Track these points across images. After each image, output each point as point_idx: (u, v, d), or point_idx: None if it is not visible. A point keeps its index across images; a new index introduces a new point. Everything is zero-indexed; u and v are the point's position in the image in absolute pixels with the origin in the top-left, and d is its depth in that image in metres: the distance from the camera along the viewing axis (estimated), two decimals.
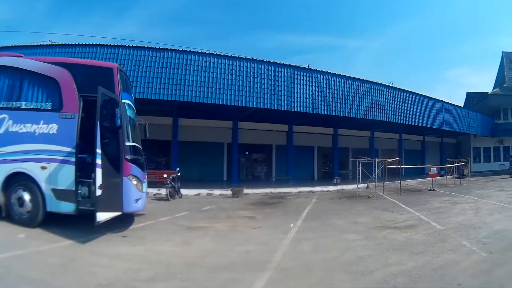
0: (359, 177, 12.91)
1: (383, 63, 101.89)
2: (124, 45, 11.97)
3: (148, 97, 11.62)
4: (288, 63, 14.33)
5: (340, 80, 15.39)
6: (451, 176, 19.74)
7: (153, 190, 11.06)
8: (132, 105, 6.33)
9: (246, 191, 12.34)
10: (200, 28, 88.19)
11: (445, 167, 19.83)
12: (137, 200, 5.79)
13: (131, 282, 2.96)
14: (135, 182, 5.62)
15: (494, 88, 35.03)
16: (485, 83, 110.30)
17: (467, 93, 33.85)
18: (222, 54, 13.00)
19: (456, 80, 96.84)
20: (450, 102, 23.67)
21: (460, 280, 3.18)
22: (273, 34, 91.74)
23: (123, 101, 5.65)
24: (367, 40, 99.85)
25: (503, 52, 34.96)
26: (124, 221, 5.92)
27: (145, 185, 6.30)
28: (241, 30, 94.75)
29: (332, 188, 15.10)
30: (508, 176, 20.87)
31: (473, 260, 3.92)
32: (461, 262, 3.85)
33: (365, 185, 14.59)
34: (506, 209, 8.30)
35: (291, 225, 6.15)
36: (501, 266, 3.65)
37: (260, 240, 4.98)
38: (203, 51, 12.96)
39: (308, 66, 15.18)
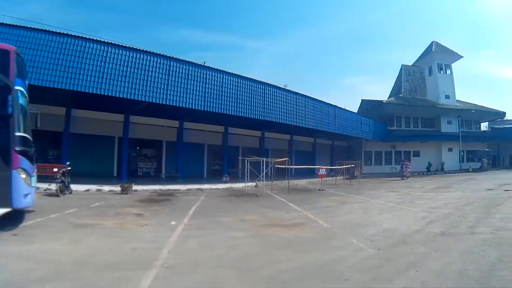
0: (247, 176, 15.03)
1: (283, 65, 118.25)
2: (24, 26, 12.43)
3: (42, 84, 12.26)
4: (183, 59, 16.21)
5: (233, 79, 18.05)
6: (342, 177, 23.72)
7: (43, 185, 11.75)
8: (25, 93, 6.54)
9: (135, 187, 13.75)
10: (106, 16, 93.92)
11: (335, 168, 23.78)
12: (26, 195, 5.94)
13: (22, 283, 3.48)
14: (24, 176, 5.82)
15: (389, 97, 43.93)
16: (382, 92, 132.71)
17: (362, 100, 41.95)
18: (119, 44, 14.28)
19: (355, 87, 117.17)
20: (343, 108, 28.40)
21: (347, 276, 3.83)
22: (178, 28, 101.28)
23: (17, 87, 5.82)
24: (269, 43, 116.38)
25: (402, 65, 45.35)
26: (15, 219, 6.30)
27: (34, 179, 6.51)
28: (147, 21, 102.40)
29: (221, 186, 17.38)
30: (399, 178, 25.57)
31: (361, 256, 4.71)
32: (349, 259, 4.59)
33: (254, 183, 16.69)
34: (395, 208, 10.04)
35: (173, 222, 7.22)
36: (389, 262, 4.42)
37: (147, 238, 5.89)
38: (102, 40, 13.93)
39: (204, 63, 17.28)
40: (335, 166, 25.08)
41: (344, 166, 23.31)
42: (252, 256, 4.96)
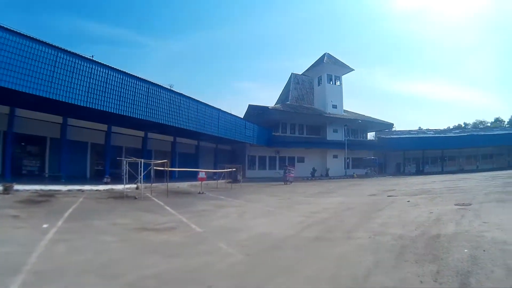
0: (126, 177, 15.21)
1: (177, 65, 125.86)
2: None
3: None
4: (69, 50, 16.04)
5: (118, 76, 18.36)
6: (224, 181, 25.22)
7: None
8: None
9: (17, 187, 13.58)
10: None
11: (217, 171, 24.99)
12: None
13: None
14: None
15: (277, 103, 47.68)
16: (274, 98, 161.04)
17: (249, 105, 44.30)
18: (8, 28, 13.81)
19: (246, 92, 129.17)
20: (227, 112, 30.18)
21: (211, 282, 4.13)
22: (71, 17, 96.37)
23: None
24: (164, 42, 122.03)
25: (292, 73, 50.09)
26: None
27: None
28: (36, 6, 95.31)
29: (101, 187, 17.50)
30: (282, 183, 27.78)
31: (229, 262, 5.07)
32: (216, 265, 4.93)
33: (135, 185, 17.04)
34: (271, 213, 10.83)
35: (45, 225, 7.53)
36: (257, 268, 4.82)
37: (19, 241, 6.24)
38: None
39: (92, 57, 17.44)
40: (218, 169, 26.35)
41: (226, 170, 24.53)
42: (118, 261, 5.26)
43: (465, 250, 5.63)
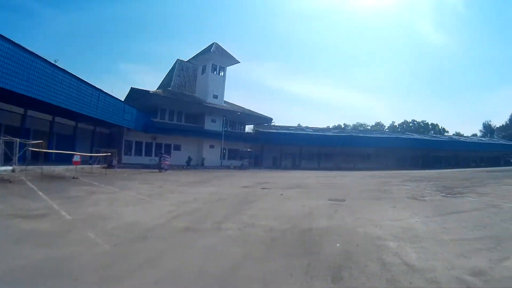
0: (2, 159, 14.65)
1: (61, 40, 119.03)
2: None
3: None
4: None
5: None
6: (100, 166, 24.80)
7: None
8: None
9: None
10: None
11: (93, 155, 24.77)
12: None
13: None
14: None
15: (159, 88, 47.27)
16: (158, 84, 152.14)
17: (131, 88, 44.18)
18: None
19: (130, 74, 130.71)
20: (107, 93, 29.34)
21: (77, 275, 4.12)
22: None
23: None
24: (53, 13, 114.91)
25: (178, 59, 50.14)
26: None
27: None
28: None
29: None
30: (157, 170, 28.11)
31: (96, 252, 5.06)
32: (83, 255, 4.91)
33: (11, 168, 16.39)
34: (143, 201, 10.83)
35: None
36: (124, 259, 4.81)
37: None
38: None
39: None
40: (95, 153, 26.10)
41: (102, 154, 24.64)
42: None
43: (338, 245, 5.90)
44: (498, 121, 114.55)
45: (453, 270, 4.79)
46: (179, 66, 51.02)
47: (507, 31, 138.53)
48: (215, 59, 48.34)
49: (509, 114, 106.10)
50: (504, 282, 4.39)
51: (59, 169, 21.79)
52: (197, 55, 50.63)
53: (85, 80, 25.64)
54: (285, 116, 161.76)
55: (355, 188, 17.47)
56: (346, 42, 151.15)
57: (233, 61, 50.41)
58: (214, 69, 49.01)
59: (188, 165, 40.43)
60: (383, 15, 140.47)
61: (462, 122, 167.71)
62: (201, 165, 42.62)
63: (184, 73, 51.12)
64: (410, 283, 4.27)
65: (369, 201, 12.28)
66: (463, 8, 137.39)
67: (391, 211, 10.05)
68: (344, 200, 11.90)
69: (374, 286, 4.17)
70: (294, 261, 4.92)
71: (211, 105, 46.57)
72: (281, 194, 13.63)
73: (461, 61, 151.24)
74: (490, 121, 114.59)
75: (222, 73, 50.19)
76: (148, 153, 41.61)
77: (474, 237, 6.84)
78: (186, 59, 52.40)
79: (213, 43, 49.08)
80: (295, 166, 54.31)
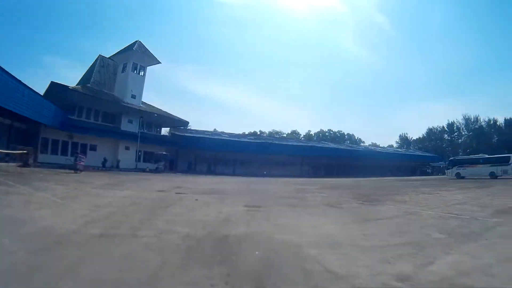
0: None
1: None
2: None
3: None
4: None
5: None
6: (15, 164, 24.08)
7: None
8: None
9: None
10: None
11: (9, 153, 24.20)
12: None
13: None
14: None
15: (78, 84, 46.47)
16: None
17: (51, 82, 42.29)
18: None
19: (54, 68, 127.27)
20: (28, 86, 28.45)
21: None
22: None
23: None
24: None
25: (99, 55, 49.17)
26: None
27: None
28: None
29: None
30: (73, 171, 27.29)
31: (12, 261, 4.82)
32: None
33: None
34: (58, 204, 10.47)
35: None
36: (40, 268, 4.60)
37: None
38: None
39: None
40: (11, 150, 25.23)
41: (18, 152, 23.86)
42: None
43: (257, 252, 5.75)
44: (414, 134, 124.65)
45: (378, 275, 4.84)
46: (101, 62, 50.02)
47: (430, 52, 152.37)
48: (136, 57, 48.36)
49: (426, 128, 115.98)
50: (429, 286, 4.54)
51: None
52: (119, 52, 50.22)
53: (2, 67, 24.36)
54: (202, 121, 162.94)
55: (271, 194, 17.70)
56: (267, 50, 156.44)
57: (154, 61, 50.83)
58: (134, 68, 49.02)
59: (104, 167, 40.01)
60: (307, 27, 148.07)
61: (379, 134, 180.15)
62: (116, 167, 42.24)
63: (104, 70, 50.17)
64: None
65: (285, 207, 12.30)
66: (389, 28, 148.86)
67: (308, 218, 10.07)
68: (261, 207, 11.84)
69: None
70: (213, 270, 4.78)
71: (129, 105, 46.49)
72: (197, 200, 13.47)
73: (382, 77, 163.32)
74: (406, 133, 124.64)
75: (142, 72, 50.35)
76: (64, 152, 40.60)
77: (396, 243, 6.96)
78: (108, 56, 51.45)
79: (136, 41, 49.06)
80: (210, 171, 54.95)
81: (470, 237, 7.77)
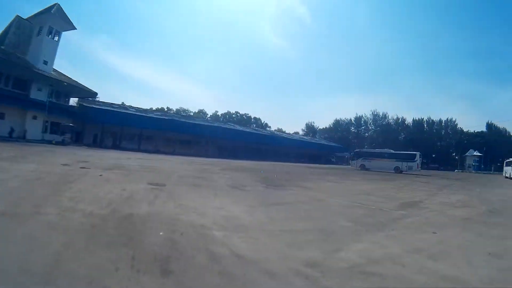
0: None
1: None
2: None
3: None
4: None
5: None
6: None
7: None
8: None
9: None
10: None
11: None
12: None
13: None
14: None
15: None
16: None
17: None
18: None
19: None
20: None
21: None
22: None
23: None
24: None
25: (16, 15, 46.61)
26: None
27: None
28: None
29: None
30: None
31: None
32: None
33: None
34: None
35: None
36: None
37: None
38: None
39: None
40: None
41: None
42: None
43: (161, 233, 5.66)
44: (321, 124, 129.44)
45: (287, 260, 4.85)
46: (17, 23, 47.04)
47: (346, 47, 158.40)
48: (53, 21, 46.01)
49: (333, 119, 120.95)
50: (340, 273, 4.58)
51: None
52: (37, 14, 47.38)
53: None
54: (114, 94, 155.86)
55: (175, 173, 17.51)
56: (182, 29, 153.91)
57: (70, 26, 48.64)
58: (50, 32, 46.59)
59: (11, 137, 37.94)
60: (226, 10, 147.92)
61: (286, 120, 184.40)
62: (22, 138, 39.96)
63: (20, 32, 47.19)
64: (245, 275, 4.24)
65: (190, 187, 12.24)
66: (309, 20, 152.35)
67: (213, 199, 10.06)
68: (165, 185, 11.77)
69: (206, 279, 4.10)
70: (118, 252, 4.63)
71: (40, 72, 44.00)
72: (101, 175, 13.17)
73: (295, 67, 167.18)
74: (313, 122, 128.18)
75: (57, 37, 47.94)
76: None
77: (303, 229, 7.06)
78: (26, 17, 48.10)
79: (55, 3, 46.35)
80: (116, 146, 53.60)
81: (377, 227, 8.02)
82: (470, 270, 5.26)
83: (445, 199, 16.05)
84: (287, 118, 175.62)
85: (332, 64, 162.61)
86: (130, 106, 69.60)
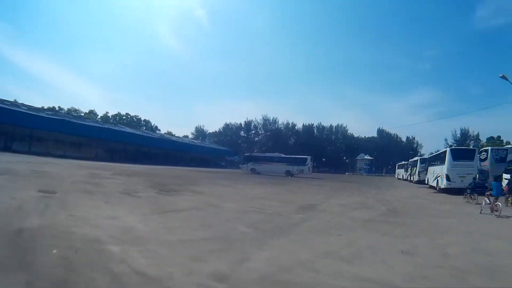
0: None
1: None
2: None
3: None
4: None
5: None
6: None
7: None
8: None
9: None
10: None
11: None
12: None
13: None
14: None
15: None
16: None
17: None
18: None
19: None
20: None
21: None
22: None
23: None
24: None
25: None
26: None
27: None
28: None
29: None
30: None
31: None
32: None
33: None
34: None
35: None
36: None
37: None
38: None
39: None
40: None
41: None
42: None
43: (55, 251, 5.26)
44: (211, 128, 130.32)
45: (193, 276, 4.71)
46: None
47: (240, 52, 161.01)
48: None
49: (223, 123, 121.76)
50: (252, 285, 4.52)
51: None
52: None
53: None
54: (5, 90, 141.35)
55: (66, 178, 16.79)
56: (74, 21, 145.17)
57: None
58: None
59: None
60: (127, 9, 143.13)
61: (175, 123, 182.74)
62: None
63: None
64: None
65: (81, 194, 11.90)
66: (206, 23, 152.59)
67: (105, 208, 9.78)
68: (56, 193, 11.25)
69: None
70: (10, 277, 4.30)
71: None
72: None
73: (188, 69, 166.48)
74: (203, 126, 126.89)
75: None
76: None
77: (203, 238, 6.92)
78: None
79: None
80: (7, 148, 48.56)
81: (279, 232, 8.05)
82: (388, 270, 5.56)
83: (342, 201, 16.86)
84: (178, 121, 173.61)
85: (225, 68, 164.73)
86: (23, 104, 63.25)
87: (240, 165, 59.66)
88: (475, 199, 19.11)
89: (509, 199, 17.26)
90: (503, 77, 29.65)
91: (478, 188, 20.14)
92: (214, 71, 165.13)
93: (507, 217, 13.18)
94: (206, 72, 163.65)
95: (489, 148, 31.43)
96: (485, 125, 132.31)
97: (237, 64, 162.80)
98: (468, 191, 20.25)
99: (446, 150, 27.81)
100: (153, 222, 8.34)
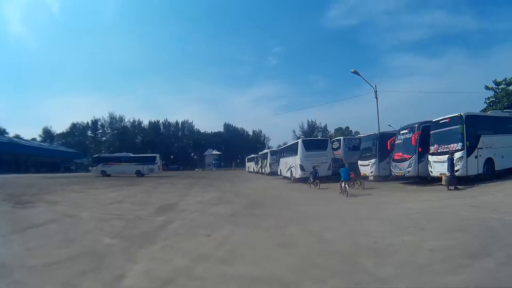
0: None
1: None
2: None
3: None
4: None
5: None
6: None
7: None
8: None
9: None
10: None
11: None
12: None
13: None
14: None
15: None
16: None
17: None
18: None
19: None
20: None
21: None
22: None
23: None
24: None
25: None
26: None
27: None
28: None
29: None
30: None
31: None
32: None
33: None
34: None
35: None
36: None
37: None
38: None
39: None
40: None
41: None
42: None
43: None
44: (59, 128, 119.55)
45: None
46: None
47: (91, 46, 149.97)
48: None
49: (70, 122, 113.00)
50: None
51: None
52: None
53: None
54: None
55: None
56: None
57: None
58: None
59: None
60: None
61: (24, 124, 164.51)
62: None
63: None
64: None
65: None
66: (57, 11, 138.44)
67: None
68: None
69: None
70: None
71: None
72: None
73: (37, 60, 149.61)
74: (51, 126, 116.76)
75: None
76: None
77: (68, 257, 6.39)
78: None
79: None
80: None
81: (146, 239, 7.78)
82: (274, 265, 5.55)
83: (199, 198, 17.08)
84: (26, 121, 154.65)
85: (71, 60, 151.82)
86: None
87: (90, 168, 56.87)
88: (317, 184, 22.09)
89: (358, 182, 20.37)
90: (355, 72, 32.96)
91: (333, 175, 23.48)
92: (63, 63, 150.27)
93: (355, 195, 15.42)
94: (55, 64, 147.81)
95: (341, 138, 34.78)
96: (333, 116, 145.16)
97: (86, 55, 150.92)
98: (311, 179, 23.11)
99: (298, 142, 29.95)
100: (13, 244, 7.68)
